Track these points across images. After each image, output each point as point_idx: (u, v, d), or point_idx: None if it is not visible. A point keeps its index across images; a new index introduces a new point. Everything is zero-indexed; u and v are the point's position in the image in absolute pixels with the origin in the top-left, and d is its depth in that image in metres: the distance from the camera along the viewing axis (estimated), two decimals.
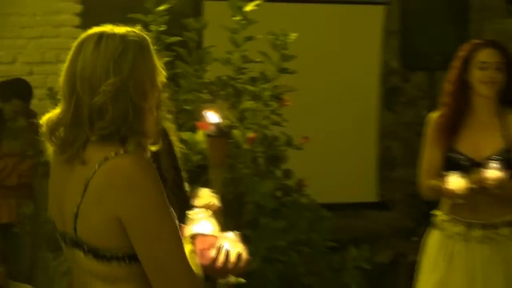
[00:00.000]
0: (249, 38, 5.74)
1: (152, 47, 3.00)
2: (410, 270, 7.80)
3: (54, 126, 2.87)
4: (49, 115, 2.92)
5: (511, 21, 8.86)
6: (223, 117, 4.39)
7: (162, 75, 2.95)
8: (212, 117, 4.29)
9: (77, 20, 7.92)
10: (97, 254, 2.86)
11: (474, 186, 4.69)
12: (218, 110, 4.32)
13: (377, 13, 8.57)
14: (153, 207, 2.83)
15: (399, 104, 9.05)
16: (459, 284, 4.93)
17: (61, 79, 2.92)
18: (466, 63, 4.90)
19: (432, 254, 5.05)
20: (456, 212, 4.92)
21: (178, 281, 2.90)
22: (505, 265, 4.90)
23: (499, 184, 4.69)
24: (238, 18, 5.76)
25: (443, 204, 5.03)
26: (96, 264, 2.88)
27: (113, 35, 2.93)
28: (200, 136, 5.26)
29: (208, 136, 4.48)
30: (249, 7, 5.76)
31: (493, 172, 4.72)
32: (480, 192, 4.73)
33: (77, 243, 2.89)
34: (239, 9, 5.75)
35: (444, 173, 4.81)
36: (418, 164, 5.11)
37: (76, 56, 2.89)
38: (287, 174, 6.09)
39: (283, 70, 5.84)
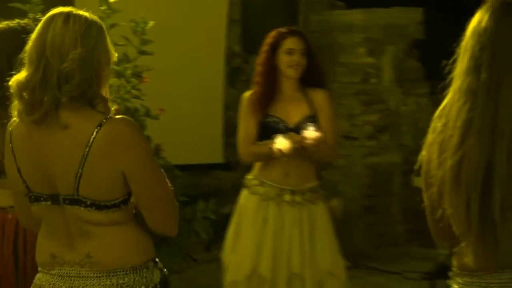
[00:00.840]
0: (113, 25, 5.61)
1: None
2: None
3: (22, 86, 2.81)
4: (17, 77, 2.84)
5: (333, 13, 9.03)
6: None
7: (113, 55, 2.99)
8: None
9: None
10: (99, 206, 2.88)
11: (296, 145, 4.69)
12: None
13: (222, 4, 8.64)
14: (149, 159, 2.93)
15: (241, 81, 9.07)
16: (272, 242, 4.92)
17: (29, 47, 2.88)
18: (274, 49, 4.94)
19: (251, 215, 5.01)
20: (269, 176, 4.97)
21: (170, 213, 3.03)
22: (309, 225, 4.96)
23: (317, 142, 4.71)
24: (104, 8, 5.68)
25: (256, 169, 5.07)
26: (97, 214, 2.89)
27: (79, 15, 2.88)
28: None
29: None
30: None
31: (311, 132, 4.73)
32: (300, 152, 4.77)
33: (76, 200, 2.88)
34: (105, 1, 5.72)
35: (273, 136, 4.75)
36: (237, 135, 5.09)
37: (46, 29, 2.85)
38: (148, 139, 5.64)
39: (142, 52, 5.89)
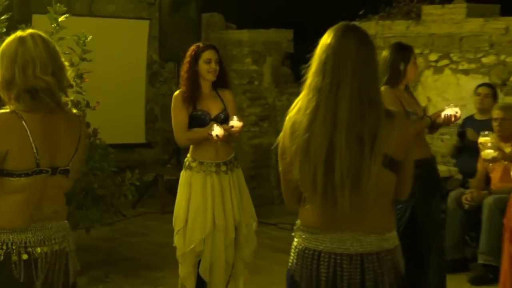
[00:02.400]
0: (61, 38, 5.43)
1: None
2: (166, 184, 8.01)
3: (46, 89, 2.78)
4: (40, 83, 2.79)
5: (227, 32, 9.08)
6: None
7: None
8: None
9: None
10: (68, 173, 2.88)
11: (227, 132, 4.66)
12: None
13: (144, 24, 8.60)
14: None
15: (158, 82, 9.16)
16: (221, 202, 4.83)
17: (45, 59, 2.83)
18: (196, 59, 4.83)
19: (198, 188, 4.85)
20: (205, 156, 4.86)
21: None
22: (238, 186, 4.95)
23: (240, 130, 4.78)
24: (54, 25, 5.53)
25: (192, 153, 4.94)
26: (66, 180, 2.89)
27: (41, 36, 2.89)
28: None
29: None
30: (61, 18, 5.55)
31: (236, 122, 4.74)
32: (229, 137, 4.79)
33: (66, 171, 2.85)
34: (55, 20, 5.55)
35: (212, 123, 4.72)
36: (173, 126, 4.92)
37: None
38: (87, 125, 5.29)
39: (83, 59, 5.71)
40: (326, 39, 2.54)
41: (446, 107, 4.89)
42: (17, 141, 2.79)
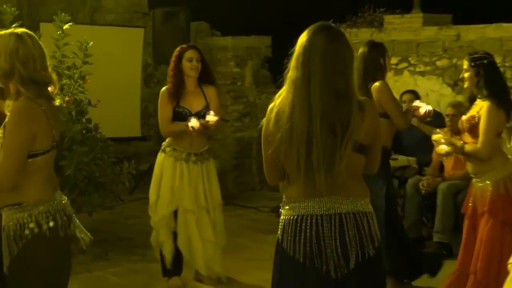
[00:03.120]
0: (66, 44, 5.56)
1: None
2: None
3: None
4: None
5: (213, 39, 9.02)
6: None
7: None
8: None
9: None
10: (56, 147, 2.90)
11: (202, 125, 4.67)
12: None
13: (140, 32, 8.55)
14: None
15: (152, 83, 9.05)
16: (188, 187, 4.84)
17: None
18: (180, 58, 4.83)
19: (168, 168, 4.88)
20: (179, 145, 4.86)
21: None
22: (207, 175, 4.95)
23: (216, 123, 4.74)
24: (59, 32, 5.56)
25: (169, 140, 4.92)
26: (55, 152, 2.91)
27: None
28: None
29: None
30: (65, 27, 5.58)
31: (212, 117, 4.74)
32: (203, 129, 4.75)
33: (57, 145, 2.91)
34: (60, 28, 5.58)
35: (188, 118, 4.73)
36: (159, 119, 4.91)
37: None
38: (89, 121, 5.92)
39: (85, 62, 5.73)
40: (302, 37, 2.54)
41: (419, 101, 4.96)
42: (41, 124, 2.80)
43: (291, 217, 2.56)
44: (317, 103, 2.44)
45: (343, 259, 2.49)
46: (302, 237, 2.52)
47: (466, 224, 4.18)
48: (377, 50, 4.81)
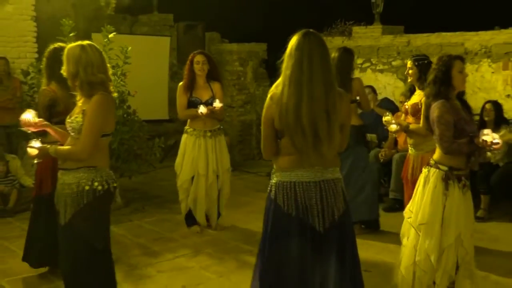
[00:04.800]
0: (111, 49, 5.42)
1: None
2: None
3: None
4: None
5: (222, 45, 8.86)
6: None
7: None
8: None
9: None
10: None
11: (209, 110, 4.68)
12: None
13: (167, 40, 8.41)
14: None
15: (177, 79, 8.58)
16: (204, 156, 4.82)
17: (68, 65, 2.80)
18: (191, 61, 4.84)
19: (190, 145, 4.84)
20: (196, 126, 4.83)
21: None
22: (219, 147, 4.90)
23: (220, 109, 4.74)
24: (106, 40, 5.44)
25: (189, 123, 4.89)
26: None
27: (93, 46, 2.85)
28: None
29: None
30: (110, 36, 5.46)
31: (218, 104, 4.74)
32: (211, 113, 4.73)
33: None
34: (106, 36, 5.46)
35: (197, 103, 4.73)
36: (177, 106, 4.89)
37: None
38: (129, 107, 5.81)
39: (126, 63, 5.64)
40: (292, 40, 2.46)
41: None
42: (111, 113, 2.85)
43: (284, 183, 2.50)
44: (311, 93, 2.37)
45: (326, 214, 2.48)
46: (296, 197, 2.48)
47: (409, 185, 4.13)
48: (348, 54, 4.83)
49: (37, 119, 2.90)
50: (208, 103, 4.79)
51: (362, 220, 4.83)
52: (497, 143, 3.12)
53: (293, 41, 2.44)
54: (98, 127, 2.74)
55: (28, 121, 2.87)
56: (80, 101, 2.84)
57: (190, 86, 4.86)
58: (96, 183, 2.76)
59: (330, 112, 2.39)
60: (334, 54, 4.73)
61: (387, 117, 4.12)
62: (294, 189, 2.49)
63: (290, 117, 2.40)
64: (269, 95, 2.54)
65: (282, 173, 2.53)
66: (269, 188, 2.60)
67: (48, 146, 2.81)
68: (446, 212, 3.21)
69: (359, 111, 6.36)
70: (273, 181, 2.57)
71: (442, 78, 3.24)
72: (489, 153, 5.15)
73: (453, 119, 3.16)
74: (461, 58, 3.33)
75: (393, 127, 4.09)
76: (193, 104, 4.82)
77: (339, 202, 2.50)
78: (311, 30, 2.50)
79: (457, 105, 3.29)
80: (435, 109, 3.21)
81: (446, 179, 3.19)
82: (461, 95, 3.35)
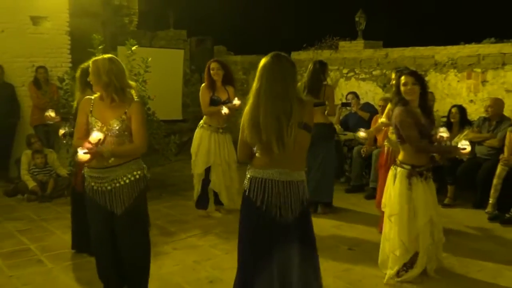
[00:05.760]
0: (133, 59, 5.41)
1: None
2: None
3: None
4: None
5: (228, 56, 8.85)
6: None
7: None
8: None
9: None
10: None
11: (230, 110, 4.66)
12: None
13: (181, 52, 8.36)
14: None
15: (190, 85, 8.83)
16: (218, 149, 4.79)
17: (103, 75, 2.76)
18: (208, 68, 4.80)
19: (206, 138, 4.79)
20: (212, 122, 4.80)
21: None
22: (228, 142, 4.86)
23: (239, 105, 4.63)
24: (129, 52, 5.41)
25: (204, 119, 4.84)
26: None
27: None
28: None
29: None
30: (133, 48, 5.43)
31: (236, 101, 4.68)
32: (232, 112, 4.67)
33: None
34: (130, 49, 5.43)
35: (218, 102, 4.69)
36: (201, 103, 4.80)
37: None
38: (148, 109, 5.73)
39: (146, 71, 5.59)
40: (263, 61, 2.42)
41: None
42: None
43: (257, 178, 2.43)
44: (264, 103, 2.34)
45: (290, 208, 2.42)
46: (265, 192, 2.41)
47: (382, 171, 4.19)
48: (320, 66, 4.89)
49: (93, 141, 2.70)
50: (226, 102, 4.78)
51: (322, 201, 4.99)
52: (465, 149, 3.23)
53: (260, 62, 2.41)
54: (145, 125, 2.80)
55: (90, 143, 2.67)
56: (112, 104, 2.77)
57: (212, 87, 4.82)
58: (145, 171, 2.83)
59: (284, 116, 2.32)
60: (312, 66, 4.86)
61: (361, 134, 4.55)
62: (265, 185, 2.41)
63: (248, 125, 2.36)
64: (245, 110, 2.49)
65: (256, 170, 2.45)
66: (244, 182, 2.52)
67: (103, 150, 2.67)
68: (413, 203, 3.29)
69: (346, 112, 6.43)
70: (247, 175, 2.50)
71: (397, 90, 3.36)
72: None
73: (413, 122, 3.22)
74: (411, 73, 3.40)
75: (361, 134, 4.53)
76: (214, 102, 4.79)
77: (301, 198, 2.45)
78: (277, 52, 2.45)
79: (417, 112, 3.31)
80: (397, 115, 3.28)
81: (409, 176, 3.28)
82: (424, 104, 3.38)
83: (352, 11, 7.62)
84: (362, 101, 6.91)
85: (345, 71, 7.72)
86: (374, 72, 7.33)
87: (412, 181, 3.28)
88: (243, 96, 8.65)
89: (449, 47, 6.41)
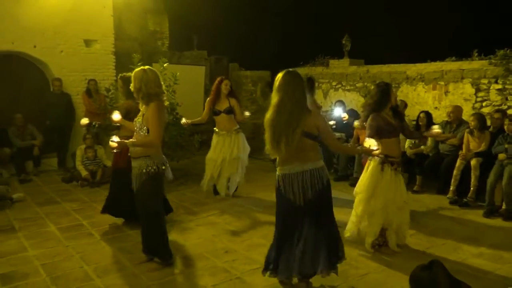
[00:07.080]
0: (165, 74, 5.35)
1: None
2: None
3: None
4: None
5: (240, 72, 8.73)
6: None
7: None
8: None
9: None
10: None
11: (241, 120, 4.72)
12: None
13: (202, 69, 8.27)
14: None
15: (209, 93, 8.92)
16: (229, 148, 4.73)
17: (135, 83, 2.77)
18: (220, 83, 4.75)
19: (217, 141, 4.79)
20: (220, 128, 4.78)
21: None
22: (237, 142, 4.75)
23: (249, 116, 4.73)
24: (162, 68, 5.39)
25: (217, 126, 4.82)
26: None
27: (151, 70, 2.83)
28: None
29: None
30: (165, 65, 5.43)
31: (246, 113, 4.79)
32: (241, 119, 4.74)
33: None
34: (162, 65, 5.43)
35: (218, 113, 4.64)
36: (204, 111, 4.81)
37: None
38: (177, 113, 5.75)
39: (175, 83, 5.58)
40: (278, 76, 2.47)
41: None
42: (165, 113, 2.84)
43: (281, 174, 2.54)
44: (281, 112, 2.38)
45: (306, 192, 2.50)
46: (285, 183, 2.52)
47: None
48: (309, 82, 4.82)
49: (116, 143, 2.85)
50: (226, 111, 4.75)
51: None
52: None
53: (277, 77, 2.46)
54: (160, 122, 2.77)
55: (114, 143, 2.85)
56: (142, 108, 2.88)
57: (214, 101, 4.79)
58: (149, 167, 2.84)
59: (294, 123, 2.38)
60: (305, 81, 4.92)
61: (356, 123, 4.31)
62: (285, 179, 2.52)
63: (267, 129, 2.43)
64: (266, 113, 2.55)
65: (279, 167, 2.57)
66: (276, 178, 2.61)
67: (126, 141, 2.85)
68: (378, 187, 3.26)
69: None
70: (277, 173, 2.59)
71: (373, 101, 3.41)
72: (422, 146, 5.26)
73: (376, 125, 3.25)
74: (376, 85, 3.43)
75: (356, 123, 4.28)
76: (214, 113, 4.81)
77: (315, 183, 2.49)
78: (290, 69, 2.48)
79: (388, 114, 3.32)
80: (369, 119, 3.34)
81: (382, 163, 3.26)
82: (395, 108, 3.42)
83: (340, 35, 7.59)
84: (347, 108, 6.87)
85: (334, 83, 7.68)
86: (357, 85, 7.28)
87: (384, 167, 3.26)
88: (251, 103, 8.79)
89: (418, 64, 6.37)
